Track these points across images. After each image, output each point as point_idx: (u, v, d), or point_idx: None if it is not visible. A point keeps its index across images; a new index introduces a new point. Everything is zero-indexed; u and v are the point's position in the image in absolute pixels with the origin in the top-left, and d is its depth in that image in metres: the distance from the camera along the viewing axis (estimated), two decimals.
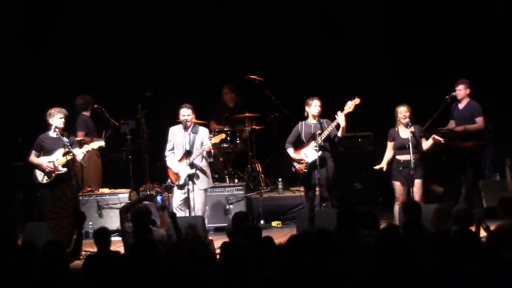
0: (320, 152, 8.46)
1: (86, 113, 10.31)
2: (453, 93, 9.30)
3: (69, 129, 8.98)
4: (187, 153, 8.55)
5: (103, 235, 6.52)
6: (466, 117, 9.24)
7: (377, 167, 8.71)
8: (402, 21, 11.03)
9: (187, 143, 8.55)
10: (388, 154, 8.59)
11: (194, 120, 8.75)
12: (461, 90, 9.23)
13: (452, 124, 9.39)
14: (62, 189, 8.19)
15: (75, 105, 10.22)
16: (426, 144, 8.49)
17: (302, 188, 9.03)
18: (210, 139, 8.68)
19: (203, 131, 8.73)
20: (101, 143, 8.90)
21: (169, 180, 8.97)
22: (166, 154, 8.82)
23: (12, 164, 10.66)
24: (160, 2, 11.53)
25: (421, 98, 9.95)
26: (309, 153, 8.57)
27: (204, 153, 8.58)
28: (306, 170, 8.62)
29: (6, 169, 10.70)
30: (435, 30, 11.00)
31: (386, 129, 8.75)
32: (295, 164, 8.70)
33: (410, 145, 8.22)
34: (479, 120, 9.17)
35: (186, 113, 8.58)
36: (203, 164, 8.68)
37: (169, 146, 8.79)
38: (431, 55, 10.89)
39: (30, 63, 11.15)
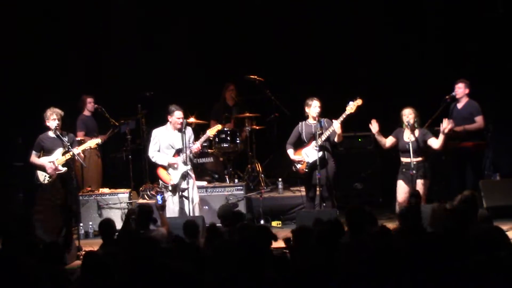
0: (320, 152, 8.47)
1: (86, 113, 10.32)
2: (453, 93, 9.32)
3: (70, 129, 8.99)
4: (179, 151, 8.60)
5: (108, 226, 6.62)
6: (465, 117, 9.25)
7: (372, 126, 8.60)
8: (402, 21, 11.03)
9: (178, 142, 8.59)
10: (386, 140, 8.59)
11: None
12: (461, 88, 9.26)
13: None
14: (55, 185, 8.24)
15: (80, 100, 10.25)
16: (437, 142, 8.42)
17: (302, 188, 9.04)
18: (203, 135, 8.84)
19: (189, 131, 8.84)
20: (97, 140, 8.89)
21: (161, 182, 8.85)
22: (151, 154, 8.79)
23: (12, 164, 10.66)
24: (160, 2, 11.53)
25: (421, 98, 9.95)
26: (310, 153, 8.58)
27: (193, 153, 8.68)
28: (306, 170, 8.63)
29: (6, 169, 10.70)
30: (434, 30, 11.00)
31: (386, 129, 8.76)
32: (295, 164, 8.71)
33: (410, 148, 8.26)
34: (479, 119, 9.19)
35: (181, 116, 8.65)
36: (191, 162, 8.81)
37: (155, 147, 8.78)
38: (431, 55, 10.89)
39: (30, 62, 11.14)
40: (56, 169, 8.49)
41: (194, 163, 9.08)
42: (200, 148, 8.79)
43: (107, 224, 6.89)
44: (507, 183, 9.49)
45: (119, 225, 9.33)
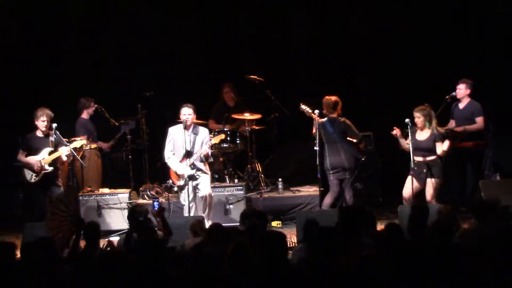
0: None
1: (85, 116, 10.28)
2: (453, 93, 9.32)
3: (69, 130, 9.02)
4: (188, 154, 8.59)
5: (94, 229, 6.54)
6: (466, 117, 9.25)
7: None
8: (402, 21, 11.03)
9: (188, 143, 8.59)
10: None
11: (194, 121, 8.82)
12: (461, 90, 9.26)
13: (452, 124, 9.40)
14: (64, 192, 8.24)
15: (78, 103, 10.24)
16: (440, 148, 8.42)
17: (302, 188, 9.08)
18: (210, 140, 8.76)
19: (203, 132, 8.80)
20: (83, 141, 8.97)
21: (170, 181, 9.09)
22: (167, 155, 8.86)
23: (12, 164, 10.65)
24: (159, 2, 11.53)
25: (421, 98, 9.95)
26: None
27: (202, 156, 8.66)
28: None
29: (6, 169, 10.70)
30: (434, 30, 11.00)
31: (386, 129, 8.75)
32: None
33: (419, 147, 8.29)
34: (479, 120, 9.19)
35: (187, 112, 8.63)
36: (202, 164, 8.75)
37: (169, 146, 8.84)
38: (431, 55, 10.89)
39: (29, 63, 11.15)
40: (42, 168, 8.57)
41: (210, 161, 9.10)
42: (208, 151, 8.77)
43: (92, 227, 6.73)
44: (507, 183, 9.48)
45: (119, 225, 9.44)
